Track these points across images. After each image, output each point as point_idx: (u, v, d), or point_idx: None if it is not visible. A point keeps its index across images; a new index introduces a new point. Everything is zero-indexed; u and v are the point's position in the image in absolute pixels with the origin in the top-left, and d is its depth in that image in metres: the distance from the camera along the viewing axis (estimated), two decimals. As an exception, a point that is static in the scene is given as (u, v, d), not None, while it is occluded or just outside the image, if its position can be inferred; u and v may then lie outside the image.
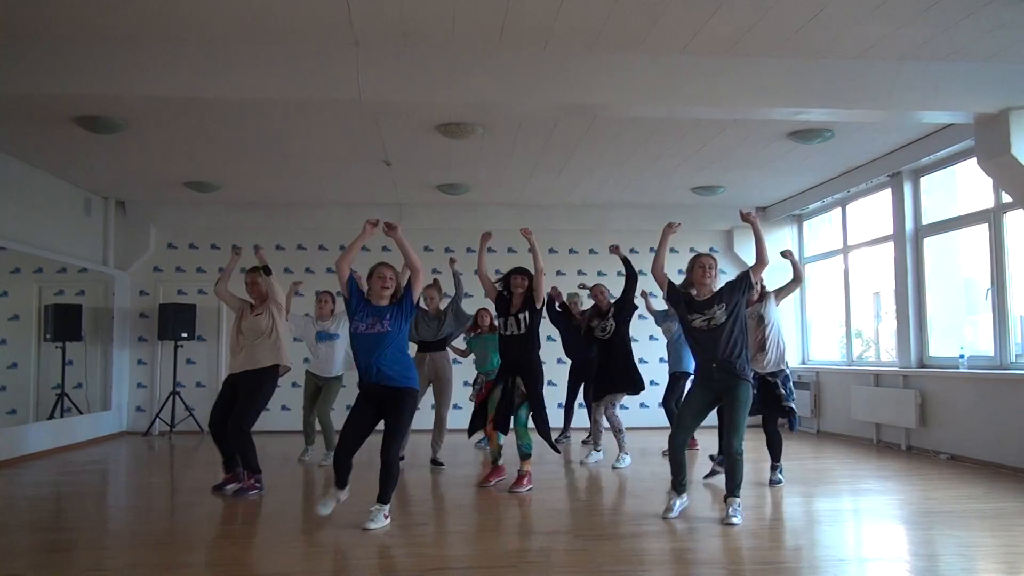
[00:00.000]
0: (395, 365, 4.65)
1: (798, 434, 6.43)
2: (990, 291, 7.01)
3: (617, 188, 9.32)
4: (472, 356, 7.92)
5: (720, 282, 4.98)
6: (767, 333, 5.82)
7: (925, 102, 5.78)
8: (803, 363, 10.36)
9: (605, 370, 6.90)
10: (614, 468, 6.76)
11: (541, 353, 5.99)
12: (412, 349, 5.09)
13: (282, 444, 8.24)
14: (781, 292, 6.01)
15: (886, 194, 8.43)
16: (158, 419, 9.77)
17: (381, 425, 4.75)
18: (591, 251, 10.48)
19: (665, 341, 8.18)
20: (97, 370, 9.67)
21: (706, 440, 7.02)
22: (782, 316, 6.30)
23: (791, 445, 6.73)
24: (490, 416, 5.94)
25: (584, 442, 8.29)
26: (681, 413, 4.93)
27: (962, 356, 7.20)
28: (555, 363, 9.00)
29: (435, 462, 6.95)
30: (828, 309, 10.23)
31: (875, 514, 5.24)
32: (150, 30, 5.05)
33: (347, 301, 4.72)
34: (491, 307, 6.33)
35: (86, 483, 6.65)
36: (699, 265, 4.92)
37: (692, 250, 5.88)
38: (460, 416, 8.57)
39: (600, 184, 9.12)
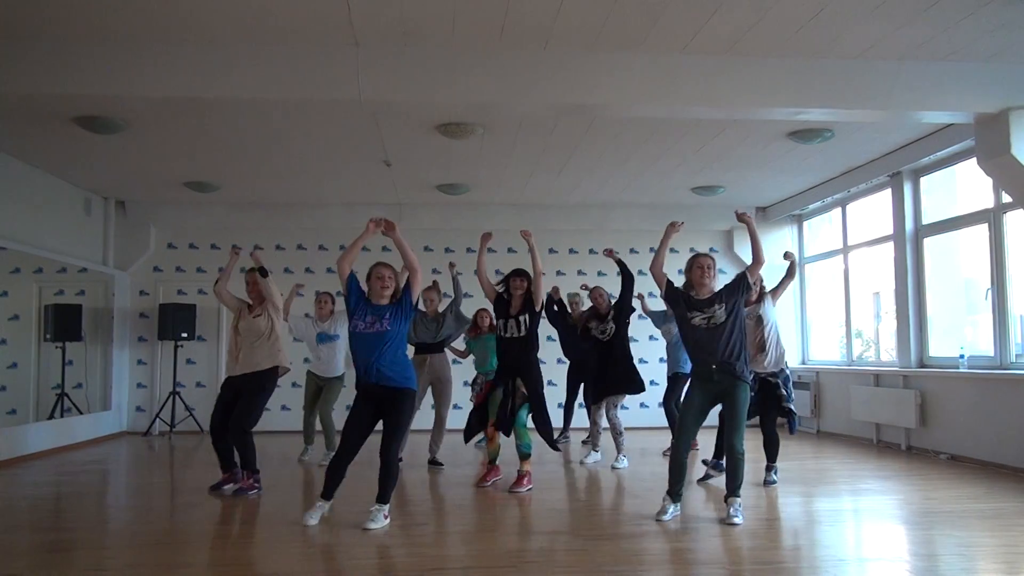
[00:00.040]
0: (394, 366, 4.65)
1: (798, 434, 6.43)
2: (990, 291, 7.01)
3: (617, 188, 9.32)
4: (472, 356, 7.92)
5: (720, 282, 4.98)
6: (766, 334, 5.83)
7: (925, 102, 5.78)
8: (803, 363, 10.36)
9: (604, 372, 6.89)
10: (613, 468, 6.76)
11: (541, 353, 5.99)
12: (409, 351, 5.08)
13: (282, 444, 8.24)
14: (777, 291, 6.03)
15: (886, 194, 8.43)
16: (158, 419, 9.78)
17: (379, 425, 4.75)
18: (591, 251, 10.47)
19: (665, 342, 8.16)
20: (97, 370, 9.67)
21: (705, 440, 7.01)
22: (781, 316, 6.31)
23: (791, 445, 6.74)
24: (491, 419, 5.94)
25: (584, 442, 8.29)
26: (683, 418, 4.89)
27: (962, 356, 7.20)
28: (555, 363, 9.01)
29: (434, 462, 6.94)
30: (828, 309, 10.23)
31: (875, 514, 5.24)
32: (150, 30, 5.05)
33: (347, 299, 4.71)
34: (490, 308, 6.33)
35: (86, 483, 6.65)
36: (697, 266, 4.92)
37: (692, 250, 5.88)
38: (460, 416, 8.57)
39: (600, 184, 9.12)
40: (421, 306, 6.84)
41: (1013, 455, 6.44)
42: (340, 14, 4.86)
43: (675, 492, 4.83)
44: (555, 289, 7.50)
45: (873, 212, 8.98)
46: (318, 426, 7.28)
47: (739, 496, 4.75)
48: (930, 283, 7.93)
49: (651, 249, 9.53)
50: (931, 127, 7.07)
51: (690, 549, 4.25)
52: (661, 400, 8.27)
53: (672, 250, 5.21)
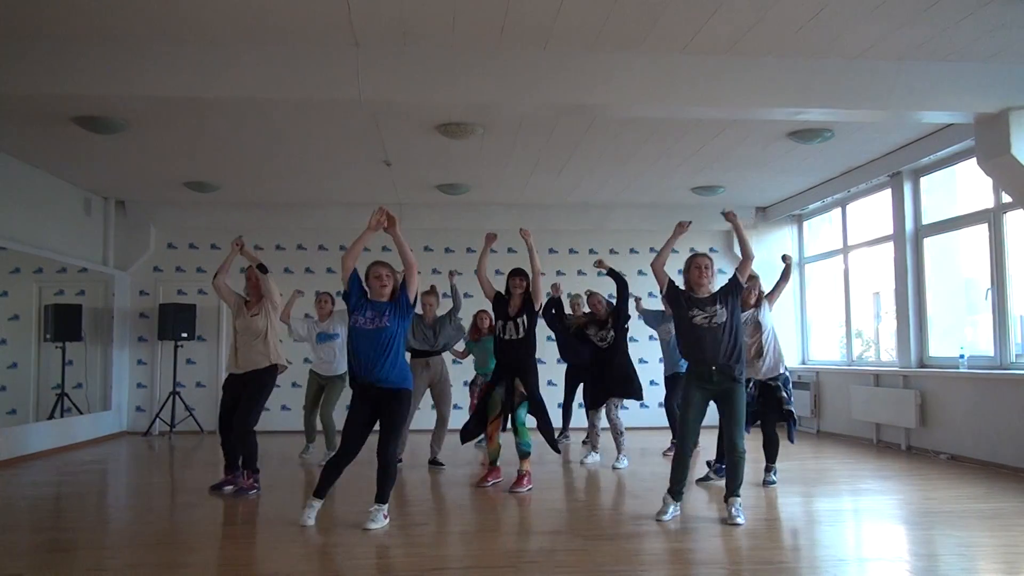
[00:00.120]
0: (393, 367, 4.66)
1: (798, 434, 6.42)
2: (990, 291, 7.01)
3: (617, 188, 9.32)
4: (472, 357, 7.92)
5: (719, 283, 4.99)
6: (764, 339, 5.83)
7: (925, 102, 5.78)
8: (803, 363, 10.36)
9: (603, 376, 6.89)
10: (613, 468, 6.76)
11: (540, 353, 5.99)
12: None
13: (282, 444, 8.23)
14: (772, 294, 6.02)
15: (886, 194, 8.43)
16: (158, 419, 9.78)
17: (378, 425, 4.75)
18: (591, 251, 10.46)
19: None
20: (97, 370, 9.67)
21: (705, 440, 6.99)
22: (781, 316, 6.32)
23: (791, 446, 6.71)
24: (490, 419, 5.94)
25: (584, 442, 8.29)
26: (686, 421, 4.86)
27: (962, 356, 7.20)
28: (554, 363, 9.01)
29: (435, 462, 6.94)
30: (828, 309, 10.23)
31: (875, 514, 5.24)
32: (150, 30, 5.05)
33: (348, 296, 4.72)
34: (489, 309, 6.32)
35: (86, 483, 6.65)
36: (695, 266, 4.93)
37: (692, 250, 5.88)
38: (460, 416, 8.58)
39: (600, 184, 9.12)
40: (419, 310, 6.82)
41: (1013, 455, 6.44)
42: (340, 14, 4.86)
43: (676, 491, 4.83)
44: (556, 287, 7.49)
45: (873, 212, 8.98)
46: (319, 424, 7.28)
47: (739, 496, 4.75)
48: (930, 283, 7.93)
49: (651, 249, 9.59)
50: (931, 127, 7.07)
51: (690, 549, 4.25)
52: (661, 400, 8.26)
53: (673, 250, 5.21)
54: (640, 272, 10.27)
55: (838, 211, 9.63)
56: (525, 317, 5.80)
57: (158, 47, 5.20)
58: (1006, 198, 6.69)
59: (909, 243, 8.03)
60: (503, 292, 5.96)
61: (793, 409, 5.90)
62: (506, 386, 5.84)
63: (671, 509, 4.79)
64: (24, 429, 7.87)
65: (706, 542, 4.33)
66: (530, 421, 5.86)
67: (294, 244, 10.38)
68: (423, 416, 7.26)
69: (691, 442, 4.85)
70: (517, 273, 5.92)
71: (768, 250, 10.14)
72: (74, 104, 5.94)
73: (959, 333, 7.91)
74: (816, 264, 10.39)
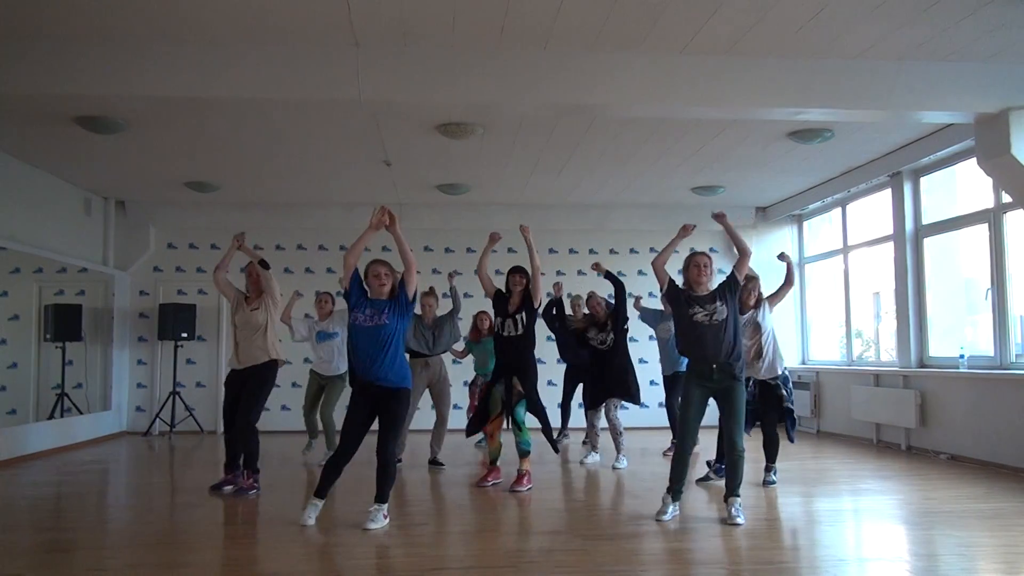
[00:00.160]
0: (391, 366, 4.67)
1: (798, 434, 6.42)
2: (990, 291, 7.01)
3: (617, 188, 9.31)
4: (471, 356, 7.92)
5: (719, 281, 5.00)
6: (763, 341, 5.83)
7: (925, 102, 5.78)
8: (803, 363, 10.36)
9: (602, 377, 6.89)
10: (613, 468, 6.76)
11: (541, 353, 5.99)
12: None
13: (282, 444, 8.24)
14: (774, 297, 6.01)
15: (886, 194, 8.43)
16: (158, 419, 9.78)
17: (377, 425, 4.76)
18: (591, 251, 10.47)
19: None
20: (97, 370, 9.67)
21: (706, 440, 7.00)
22: (781, 316, 6.32)
23: (791, 445, 6.71)
24: (492, 417, 5.95)
25: (584, 442, 8.29)
26: (686, 419, 4.86)
27: (962, 356, 7.20)
28: (554, 363, 9.01)
29: (435, 462, 6.94)
30: (828, 309, 10.23)
31: (875, 514, 5.24)
32: (150, 30, 5.05)
33: (349, 294, 4.74)
34: (490, 308, 6.32)
35: (86, 483, 6.65)
36: (694, 264, 4.94)
37: (692, 250, 5.88)
38: (460, 415, 8.58)
39: (600, 184, 9.12)
40: (417, 310, 6.82)
41: (1013, 455, 6.44)
42: (340, 14, 4.86)
43: (676, 490, 4.83)
44: (558, 286, 7.48)
45: (873, 212, 8.98)
46: (319, 423, 7.28)
47: (739, 496, 4.75)
48: (930, 283, 7.93)
49: (652, 249, 9.59)
50: (931, 127, 7.07)
51: (690, 549, 4.24)
52: (662, 400, 8.26)
53: (674, 250, 5.21)
54: (640, 272, 10.28)
55: (838, 211, 9.63)
56: (524, 314, 5.82)
57: (158, 47, 5.20)
58: (1006, 198, 6.69)
59: (909, 243, 8.03)
60: (503, 290, 5.97)
61: (793, 407, 5.90)
62: (505, 385, 5.85)
63: (670, 509, 4.79)
64: (24, 429, 7.87)
65: (706, 542, 4.33)
66: (530, 420, 5.86)
67: (294, 244, 10.38)
68: (423, 416, 7.27)
69: (691, 441, 4.85)
70: (517, 271, 5.94)
71: (768, 250, 10.14)
72: (74, 104, 5.94)
73: (959, 333, 7.91)
74: (816, 264, 10.39)
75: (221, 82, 5.33)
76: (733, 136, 7.26)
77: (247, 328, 5.78)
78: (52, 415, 8.63)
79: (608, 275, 6.85)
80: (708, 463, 6.23)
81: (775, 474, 5.98)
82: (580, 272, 10.36)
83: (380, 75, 5.37)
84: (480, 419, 6.07)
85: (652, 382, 9.68)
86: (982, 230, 7.13)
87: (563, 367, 8.47)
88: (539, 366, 6.06)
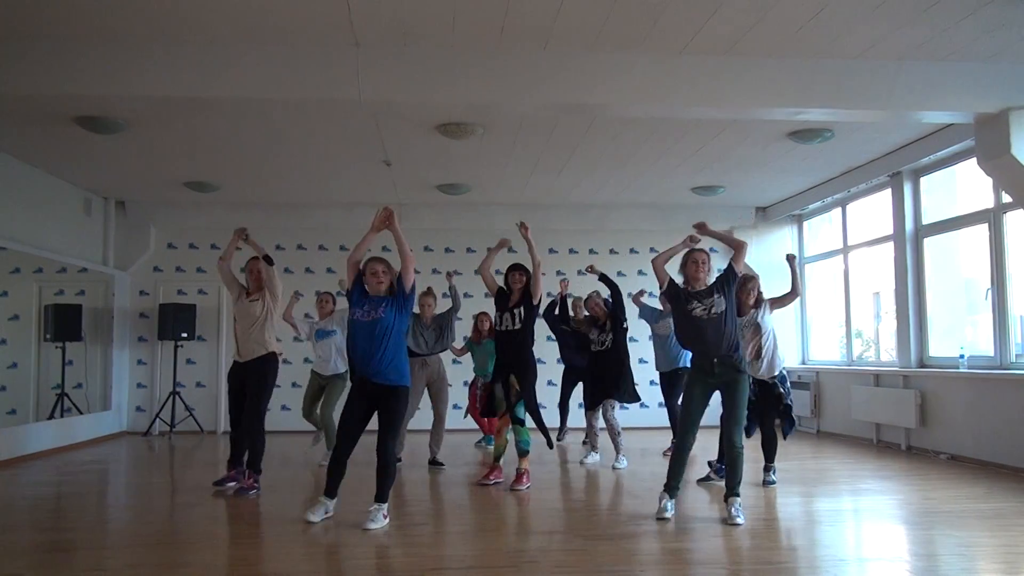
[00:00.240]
0: (389, 362, 4.68)
1: (798, 434, 6.44)
2: (990, 291, 7.01)
3: (617, 188, 9.31)
4: (471, 358, 7.91)
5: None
6: (763, 341, 5.83)
7: (925, 102, 5.78)
8: (803, 363, 10.36)
9: (599, 378, 6.90)
10: (613, 468, 6.76)
11: (541, 352, 5.99)
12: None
13: (282, 444, 8.23)
14: (776, 302, 5.98)
15: (886, 194, 8.43)
16: (158, 419, 9.78)
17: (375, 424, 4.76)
18: (591, 251, 10.48)
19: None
20: (97, 370, 9.66)
21: (707, 440, 7.01)
22: (781, 315, 6.31)
23: (791, 445, 6.73)
24: (499, 414, 5.97)
25: (584, 443, 8.29)
26: (687, 414, 4.88)
27: (962, 356, 7.20)
28: (554, 363, 9.00)
29: (435, 462, 6.94)
30: (828, 309, 10.23)
31: (875, 514, 5.24)
32: (150, 30, 5.05)
33: (350, 292, 4.78)
34: (490, 309, 6.33)
35: (86, 483, 6.65)
36: (692, 260, 4.97)
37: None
38: (459, 415, 8.58)
39: (600, 184, 9.12)
40: (416, 310, 6.82)
41: (1013, 455, 6.44)
42: (340, 14, 4.86)
43: (672, 487, 4.84)
44: (564, 283, 7.42)
45: (873, 212, 8.98)
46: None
47: (739, 495, 4.76)
48: (930, 283, 7.92)
49: (652, 249, 9.60)
50: (931, 127, 7.07)
51: (690, 549, 4.24)
52: (662, 400, 8.25)
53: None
54: (640, 272, 10.28)
55: (838, 211, 9.63)
56: (522, 308, 5.83)
57: (158, 47, 5.20)
58: (1006, 198, 6.69)
59: (909, 243, 8.03)
60: (504, 287, 6.00)
61: (791, 404, 5.91)
62: (503, 383, 5.86)
63: (668, 507, 4.80)
64: (24, 429, 7.87)
65: (706, 542, 4.33)
66: (529, 420, 5.86)
67: (294, 244, 10.38)
68: (423, 416, 7.27)
69: (691, 436, 4.86)
70: (516, 268, 5.98)
71: (768, 250, 10.17)
72: (74, 104, 5.94)
73: (959, 333, 7.91)
74: (816, 264, 10.38)
75: (221, 82, 5.33)
76: (733, 136, 7.26)
77: (245, 320, 5.81)
78: (52, 415, 8.63)
79: (602, 277, 6.86)
80: (709, 463, 6.23)
81: (775, 474, 5.98)
82: (580, 272, 10.33)
83: (380, 75, 5.37)
84: (488, 409, 6.12)
85: (652, 382, 9.67)
86: (982, 230, 7.13)
87: (563, 367, 8.46)
88: (539, 366, 6.07)
